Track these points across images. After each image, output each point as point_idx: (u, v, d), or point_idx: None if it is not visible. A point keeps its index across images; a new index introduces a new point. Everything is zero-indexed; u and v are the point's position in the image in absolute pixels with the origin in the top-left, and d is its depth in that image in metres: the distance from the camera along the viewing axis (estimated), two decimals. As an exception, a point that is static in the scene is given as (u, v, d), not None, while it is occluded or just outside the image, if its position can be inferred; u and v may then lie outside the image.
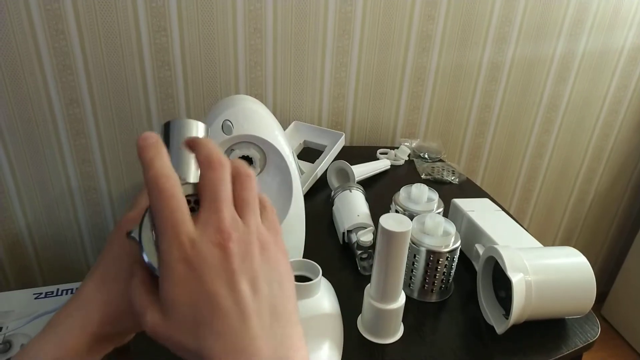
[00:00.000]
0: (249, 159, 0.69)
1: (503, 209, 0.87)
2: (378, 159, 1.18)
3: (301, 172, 1.02)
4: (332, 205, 0.92)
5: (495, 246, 0.67)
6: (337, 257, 0.82)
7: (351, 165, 1.02)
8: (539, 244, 0.75)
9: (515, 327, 0.64)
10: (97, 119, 1.15)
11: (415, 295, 0.73)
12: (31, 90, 1.08)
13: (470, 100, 1.37)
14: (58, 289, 1.12)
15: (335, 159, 1.07)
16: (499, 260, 0.65)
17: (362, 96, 1.29)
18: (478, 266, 0.73)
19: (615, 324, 1.73)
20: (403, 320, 0.66)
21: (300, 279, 0.63)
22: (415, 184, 0.82)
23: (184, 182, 0.31)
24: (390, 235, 0.56)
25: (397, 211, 0.82)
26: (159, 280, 0.28)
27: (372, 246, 0.79)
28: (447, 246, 0.69)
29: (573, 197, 1.64)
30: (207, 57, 1.14)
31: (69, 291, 1.11)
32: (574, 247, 0.69)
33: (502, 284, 0.69)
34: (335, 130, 1.16)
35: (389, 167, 1.16)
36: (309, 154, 1.13)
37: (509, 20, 1.27)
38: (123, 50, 1.09)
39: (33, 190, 1.20)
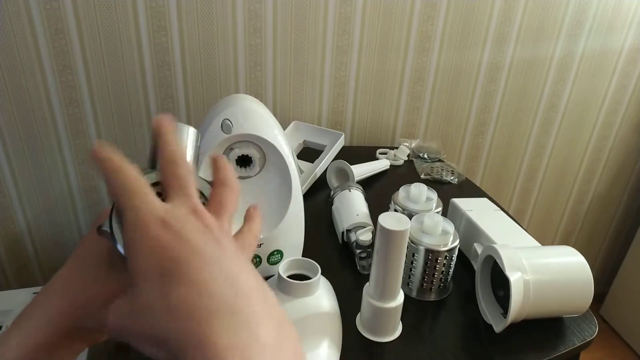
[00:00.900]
0: (248, 158, 0.69)
1: (502, 209, 0.87)
2: (377, 159, 1.18)
3: (300, 171, 1.02)
4: (332, 205, 0.93)
5: (494, 245, 0.67)
6: (336, 257, 0.83)
7: (351, 165, 1.03)
8: (537, 244, 0.75)
9: (514, 326, 0.64)
10: (97, 118, 1.15)
11: (414, 294, 0.73)
12: (31, 90, 1.08)
13: (470, 101, 1.38)
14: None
15: (334, 159, 1.07)
16: (497, 259, 0.65)
17: (362, 96, 1.29)
18: (477, 265, 0.73)
19: (614, 324, 1.73)
20: (402, 319, 0.67)
21: (299, 277, 0.63)
22: (414, 184, 0.82)
23: (150, 171, 0.31)
24: (388, 233, 0.57)
25: (396, 210, 0.82)
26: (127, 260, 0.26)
27: (371, 245, 0.79)
28: (445, 245, 0.69)
29: (572, 198, 1.64)
30: (207, 57, 1.15)
31: (69, 290, 1.11)
32: (573, 247, 0.70)
33: (500, 283, 0.69)
34: (335, 130, 1.16)
35: (389, 167, 1.17)
36: (308, 153, 1.13)
37: (509, 20, 1.27)
38: (123, 50, 1.09)
39: (33, 191, 1.20)
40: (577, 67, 1.40)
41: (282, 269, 0.63)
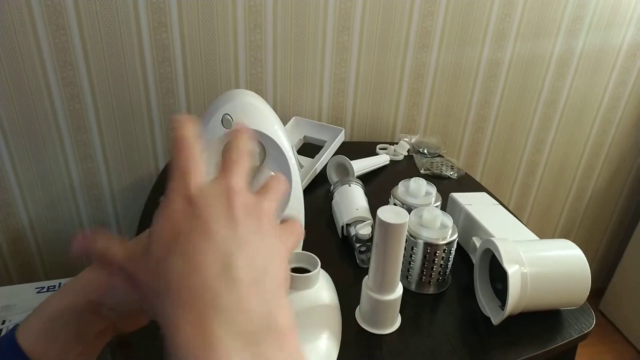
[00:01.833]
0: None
1: (501, 203, 0.88)
2: (377, 155, 1.19)
3: (300, 166, 1.03)
4: (332, 200, 0.93)
5: (492, 238, 0.68)
6: (336, 251, 0.83)
7: (351, 160, 1.03)
8: (535, 237, 0.76)
9: (511, 318, 0.65)
10: (98, 114, 1.16)
11: (413, 287, 0.74)
12: (32, 86, 1.09)
13: (470, 97, 1.38)
14: (60, 284, 1.13)
15: (334, 154, 1.08)
16: (495, 253, 0.66)
17: (362, 92, 1.30)
18: (475, 258, 0.74)
19: (613, 319, 1.74)
20: (401, 312, 0.67)
21: (299, 271, 0.64)
22: (413, 178, 0.82)
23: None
24: (387, 227, 0.57)
25: (395, 205, 0.82)
26: None
27: (371, 239, 0.80)
28: (444, 239, 0.70)
29: (571, 193, 1.65)
30: (208, 54, 1.15)
31: (71, 285, 1.12)
32: (572, 242, 0.70)
33: (498, 276, 0.70)
34: (335, 125, 1.17)
35: (389, 162, 1.17)
36: (309, 149, 1.14)
37: (509, 16, 1.27)
38: (124, 46, 1.09)
39: (35, 186, 1.21)
40: (577, 63, 1.40)
41: (282, 262, 0.64)
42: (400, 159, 1.22)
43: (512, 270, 0.62)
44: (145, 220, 0.91)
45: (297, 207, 0.74)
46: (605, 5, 1.32)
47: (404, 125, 1.38)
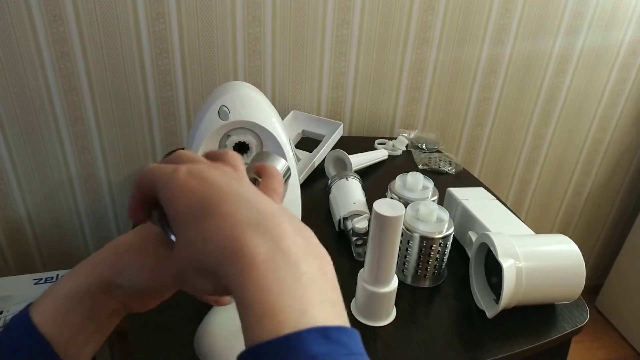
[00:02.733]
0: (245, 145, 0.70)
1: (498, 199, 0.88)
2: (376, 150, 1.19)
3: (297, 159, 1.03)
4: (329, 193, 0.93)
5: (488, 233, 0.68)
6: (333, 244, 0.83)
7: (349, 155, 1.03)
8: (531, 232, 0.76)
9: (506, 312, 0.65)
10: (96, 107, 1.16)
11: (408, 280, 0.74)
12: (29, 77, 1.08)
13: (469, 92, 1.38)
14: (58, 275, 1.13)
15: (333, 149, 1.08)
16: (490, 247, 0.66)
17: (361, 86, 1.30)
18: (471, 252, 0.74)
19: (609, 316, 1.74)
20: (396, 305, 0.68)
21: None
22: (410, 172, 0.82)
23: None
24: (383, 219, 0.57)
25: (392, 199, 0.82)
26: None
27: (367, 233, 0.80)
28: (440, 232, 0.70)
29: (570, 190, 1.65)
30: (206, 46, 1.15)
31: (68, 277, 1.12)
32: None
33: (494, 270, 0.70)
34: (333, 120, 1.17)
35: (387, 157, 1.17)
36: (307, 143, 1.14)
37: (509, 12, 1.27)
38: (121, 38, 1.09)
39: (32, 178, 1.21)
40: (577, 60, 1.40)
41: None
42: (399, 154, 1.22)
43: (508, 264, 0.62)
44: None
45: (294, 200, 0.74)
46: (607, 2, 1.32)
47: (402, 121, 1.38)
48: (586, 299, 0.71)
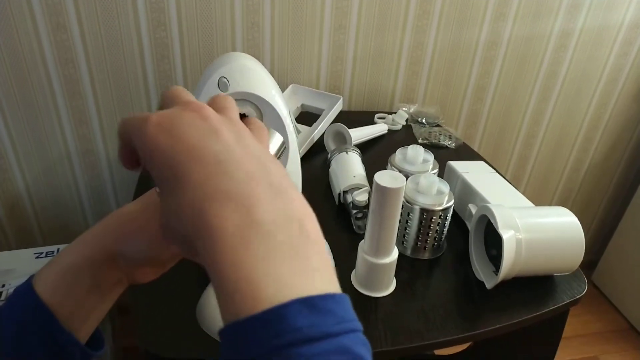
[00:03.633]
0: (245, 117, 0.69)
1: (498, 172, 0.88)
2: (376, 124, 1.18)
3: (297, 131, 1.02)
4: (329, 167, 0.93)
5: (488, 205, 0.68)
6: (333, 218, 0.84)
7: (348, 129, 1.02)
8: (531, 204, 0.76)
9: (505, 283, 0.66)
10: (93, 80, 1.14)
11: (408, 252, 0.75)
12: (25, 50, 1.07)
13: (470, 67, 1.36)
14: (58, 249, 1.14)
15: (332, 123, 1.07)
16: (490, 218, 0.66)
17: (361, 60, 1.28)
18: (471, 225, 0.74)
19: (605, 290, 1.77)
20: (396, 276, 0.68)
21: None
22: (411, 145, 0.82)
23: None
24: (384, 191, 0.57)
25: (392, 172, 0.82)
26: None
27: (367, 206, 0.80)
28: (440, 205, 0.70)
29: (569, 165, 1.65)
30: (204, 18, 1.12)
31: (69, 251, 1.13)
32: (566, 210, 0.70)
33: (493, 243, 0.70)
34: (333, 94, 1.16)
35: (386, 131, 1.17)
36: (306, 117, 1.13)
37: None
38: (118, 10, 1.07)
39: (31, 153, 1.20)
40: (578, 35, 1.38)
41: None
42: (399, 129, 1.21)
43: (507, 235, 0.63)
44: (142, 186, 0.91)
45: (294, 173, 0.74)
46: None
47: (402, 95, 1.37)
48: (583, 273, 0.72)
